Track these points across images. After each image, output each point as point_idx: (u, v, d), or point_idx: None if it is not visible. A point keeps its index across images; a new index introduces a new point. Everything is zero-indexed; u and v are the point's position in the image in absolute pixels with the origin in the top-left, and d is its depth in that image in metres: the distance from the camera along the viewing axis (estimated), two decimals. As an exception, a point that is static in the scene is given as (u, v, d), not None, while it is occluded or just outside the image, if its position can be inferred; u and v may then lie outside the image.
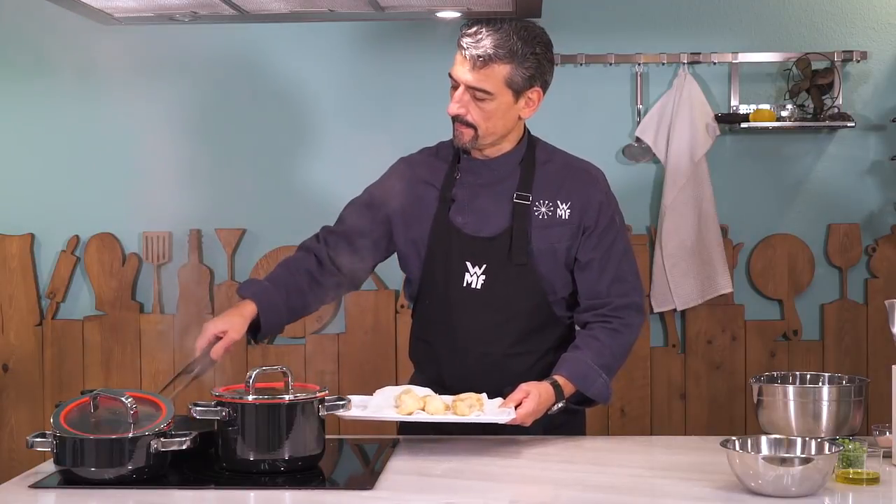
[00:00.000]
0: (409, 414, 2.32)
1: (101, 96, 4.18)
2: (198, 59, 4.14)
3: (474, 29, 2.53)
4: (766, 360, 4.08)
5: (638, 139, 4.05)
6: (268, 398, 2.21)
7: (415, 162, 2.73)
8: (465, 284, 2.56)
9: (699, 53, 4.01)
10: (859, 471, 2.06)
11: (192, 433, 2.17)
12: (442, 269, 2.58)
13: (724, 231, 4.09)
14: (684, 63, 4.01)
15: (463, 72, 2.52)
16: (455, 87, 2.55)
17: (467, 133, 2.55)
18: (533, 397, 2.40)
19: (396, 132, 4.14)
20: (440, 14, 3.15)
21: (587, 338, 2.57)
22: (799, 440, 2.07)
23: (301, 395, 2.22)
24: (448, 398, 2.38)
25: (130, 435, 2.12)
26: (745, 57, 4.01)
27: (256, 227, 4.16)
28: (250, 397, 2.20)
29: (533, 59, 2.52)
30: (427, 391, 2.44)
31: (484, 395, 2.41)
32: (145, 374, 4.16)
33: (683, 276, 3.97)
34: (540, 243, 2.56)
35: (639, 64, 4.03)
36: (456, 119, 2.55)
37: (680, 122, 3.97)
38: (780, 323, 4.10)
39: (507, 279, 2.55)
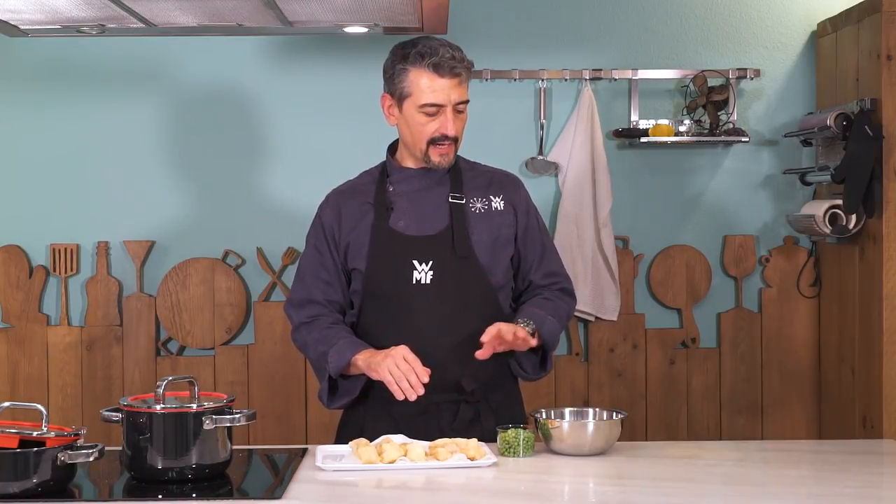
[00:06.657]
0: (392, 462, 2.33)
1: (5, 108, 4.14)
2: (105, 70, 4.12)
3: (432, 47, 2.60)
4: (665, 368, 4.20)
5: (541, 152, 4.13)
6: (175, 407, 2.24)
7: (344, 189, 2.81)
8: (414, 281, 2.63)
9: (600, 70, 4.12)
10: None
11: (100, 445, 2.19)
12: (389, 270, 2.65)
13: (625, 242, 4.20)
14: (586, 79, 4.11)
15: (451, 92, 2.62)
16: (431, 113, 2.62)
17: (452, 150, 2.68)
18: (493, 326, 2.55)
19: (309, 144, 4.18)
20: (348, 29, 3.22)
21: (538, 298, 2.74)
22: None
23: (207, 404, 2.26)
24: (425, 444, 2.40)
25: (35, 448, 2.13)
26: (644, 73, 4.13)
27: (165, 239, 4.16)
28: (158, 406, 2.23)
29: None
30: (403, 438, 2.45)
31: (458, 439, 2.43)
32: (52, 387, 4.13)
33: (583, 284, 4.05)
34: (480, 235, 2.68)
35: (542, 79, 4.13)
36: (453, 140, 2.65)
37: (581, 136, 4.08)
38: (679, 331, 4.22)
39: (453, 272, 2.64)
